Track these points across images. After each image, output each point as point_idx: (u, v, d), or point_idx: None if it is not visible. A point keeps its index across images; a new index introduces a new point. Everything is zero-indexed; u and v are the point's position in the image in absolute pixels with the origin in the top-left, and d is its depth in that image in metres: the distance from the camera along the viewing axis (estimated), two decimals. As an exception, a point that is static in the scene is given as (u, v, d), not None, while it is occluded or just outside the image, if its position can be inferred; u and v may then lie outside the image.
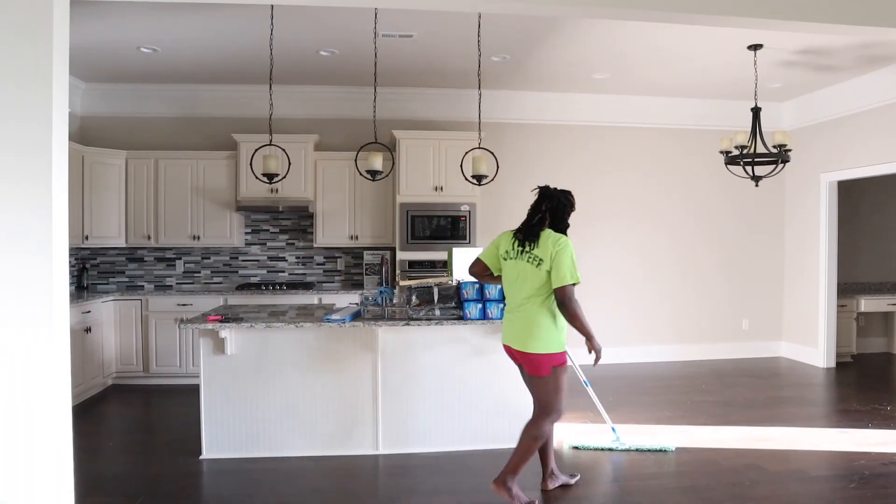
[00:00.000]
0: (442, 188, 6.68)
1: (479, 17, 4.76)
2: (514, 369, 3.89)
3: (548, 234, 3.52)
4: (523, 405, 4.53)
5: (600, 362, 3.75)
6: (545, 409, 3.52)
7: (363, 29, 5.07)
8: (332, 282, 7.27)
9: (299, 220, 7.19)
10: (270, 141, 4.94)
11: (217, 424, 4.35)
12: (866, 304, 7.76)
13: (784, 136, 5.61)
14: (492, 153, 5.19)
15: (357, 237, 6.92)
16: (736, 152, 5.81)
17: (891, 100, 6.43)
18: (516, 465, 3.52)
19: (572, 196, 3.75)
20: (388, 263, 7.03)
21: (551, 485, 3.85)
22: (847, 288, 7.97)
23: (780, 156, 5.66)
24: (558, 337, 3.49)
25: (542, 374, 3.47)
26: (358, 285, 7.12)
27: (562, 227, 3.63)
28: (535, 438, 3.52)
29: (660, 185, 7.78)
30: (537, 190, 3.74)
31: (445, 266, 6.32)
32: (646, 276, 7.76)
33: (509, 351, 3.66)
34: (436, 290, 4.46)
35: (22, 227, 2.62)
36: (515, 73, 6.54)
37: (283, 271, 7.23)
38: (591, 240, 7.60)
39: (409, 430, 4.50)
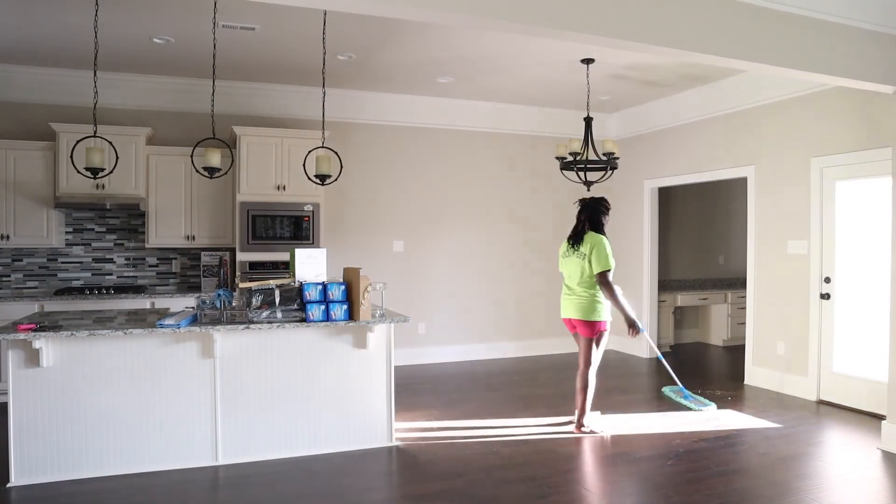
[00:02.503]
0: (285, 187, 6.49)
1: (325, 14, 4.69)
2: (358, 371, 4.12)
3: (589, 235, 4.88)
4: (368, 407, 4.57)
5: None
6: (588, 361, 4.89)
7: (202, 18, 4.80)
8: (167, 285, 6.84)
9: (129, 219, 6.68)
10: (95, 132, 4.53)
11: (30, 446, 3.91)
12: (682, 299, 8.59)
13: (613, 145, 6.05)
14: (336, 153, 5.13)
15: (194, 237, 6.55)
16: (570, 158, 6.17)
17: (704, 115, 7.15)
18: (583, 407, 4.92)
19: (606, 202, 5.07)
20: (227, 265, 6.73)
21: (583, 428, 4.95)
22: (666, 285, 8.75)
23: (609, 163, 6.10)
24: (601, 311, 4.82)
25: (591, 335, 4.83)
26: (195, 288, 6.74)
27: (599, 228, 4.94)
28: (588, 383, 4.88)
29: (500, 187, 8.10)
30: (578, 203, 5.12)
31: (288, 267, 6.16)
32: (491, 274, 8.04)
33: (568, 322, 4.99)
34: (277, 292, 4.33)
35: None
36: (361, 73, 6.51)
37: (111, 274, 6.68)
38: (435, 239, 7.76)
39: (251, 438, 4.33)
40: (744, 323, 7.07)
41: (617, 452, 4.52)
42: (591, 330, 4.86)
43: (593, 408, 5.28)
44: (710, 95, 6.96)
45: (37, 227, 6.14)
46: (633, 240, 8.26)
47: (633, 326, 4.85)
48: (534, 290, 8.27)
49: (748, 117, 6.64)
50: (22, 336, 3.78)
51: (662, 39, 3.67)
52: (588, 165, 6.18)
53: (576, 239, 4.94)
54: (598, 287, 4.80)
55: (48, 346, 3.90)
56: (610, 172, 6.24)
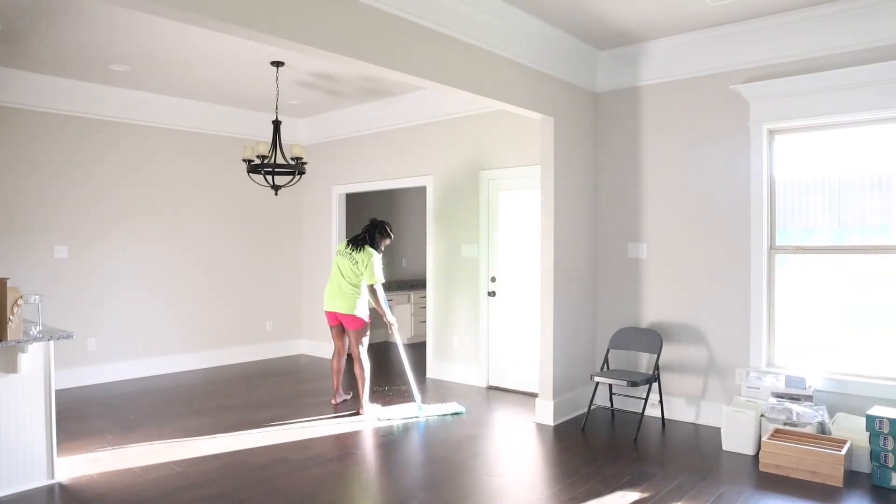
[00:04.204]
0: None
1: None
2: (6, 400, 3.43)
3: (366, 250, 5.66)
4: (21, 442, 3.90)
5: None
6: (356, 350, 5.67)
7: None
8: None
9: None
10: None
11: None
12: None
13: (301, 150, 6.06)
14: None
15: None
16: (258, 161, 6.02)
17: (387, 127, 7.56)
18: (361, 392, 5.68)
19: (390, 229, 5.89)
20: None
21: (338, 399, 5.97)
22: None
23: (297, 168, 6.08)
24: (363, 308, 5.68)
25: (356, 327, 5.63)
26: None
27: (375, 245, 5.75)
28: (363, 369, 5.67)
29: (185, 188, 7.57)
30: (370, 220, 5.90)
31: None
32: (167, 284, 7.44)
33: (332, 315, 5.73)
34: None
35: None
36: (12, 48, 5.51)
37: None
38: (107, 244, 6.94)
39: None
40: (425, 321, 7.63)
41: (311, 455, 4.52)
42: (356, 323, 5.60)
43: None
44: (393, 108, 7.39)
45: None
46: (321, 243, 8.39)
47: (392, 324, 5.77)
48: (221, 297, 7.89)
49: (426, 131, 7.20)
50: None
51: (344, 50, 3.76)
52: (276, 169, 6.10)
53: (354, 245, 5.70)
54: (361, 288, 5.65)
55: None
56: (298, 177, 6.23)
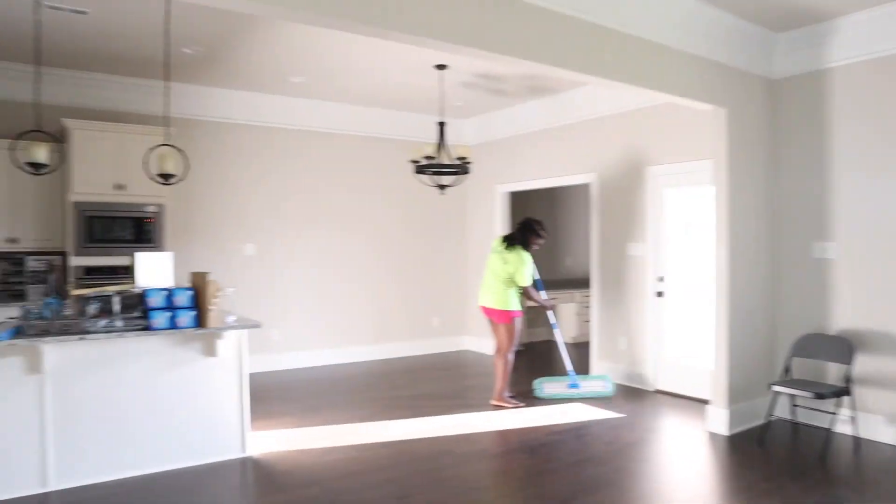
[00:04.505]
0: (125, 187, 6.03)
1: (168, 2, 4.40)
2: (208, 380, 4.05)
3: (517, 250, 5.75)
4: (220, 418, 4.35)
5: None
6: (503, 344, 5.81)
7: (22, -3, 4.34)
8: (-16, 294, 6.10)
9: (-64, 220, 5.90)
10: None
11: None
12: (532, 299, 8.96)
13: (465, 150, 6.21)
14: (181, 151, 4.83)
15: (17, 240, 5.91)
16: (424, 162, 6.25)
17: (551, 125, 7.52)
18: (501, 385, 5.81)
19: (540, 228, 5.88)
20: (59, 271, 6.13)
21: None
22: (517, 286, 9.07)
23: (461, 167, 6.24)
24: (513, 302, 5.76)
25: (505, 321, 5.75)
26: (19, 297, 6.04)
27: (526, 245, 5.78)
28: (505, 363, 5.82)
29: (359, 190, 8.03)
30: (522, 219, 6.01)
31: (129, 272, 5.71)
32: (342, 279, 7.93)
33: (485, 309, 5.88)
34: (117, 300, 4.00)
35: None
36: (210, 68, 6.18)
37: (-87, 282, 5.86)
38: (289, 242, 7.55)
39: (88, 459, 3.95)
40: (589, 321, 7.49)
41: (477, 449, 4.62)
42: (504, 317, 5.72)
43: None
44: (556, 106, 7.33)
45: None
46: (484, 241, 8.50)
47: (550, 307, 6.16)
48: (388, 293, 8.28)
49: (590, 127, 7.06)
50: None
51: (509, 49, 3.81)
52: (441, 169, 6.29)
53: (508, 243, 5.81)
54: (511, 283, 5.74)
55: None
56: (463, 177, 6.39)
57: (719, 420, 5.00)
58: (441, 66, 6.10)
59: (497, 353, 5.86)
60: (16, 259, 6.15)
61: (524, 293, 5.80)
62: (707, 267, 5.47)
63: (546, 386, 6.19)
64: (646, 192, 6.45)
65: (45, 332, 3.79)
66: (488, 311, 5.86)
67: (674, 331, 6.27)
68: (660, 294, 6.34)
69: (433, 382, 6.82)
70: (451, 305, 8.81)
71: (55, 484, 3.85)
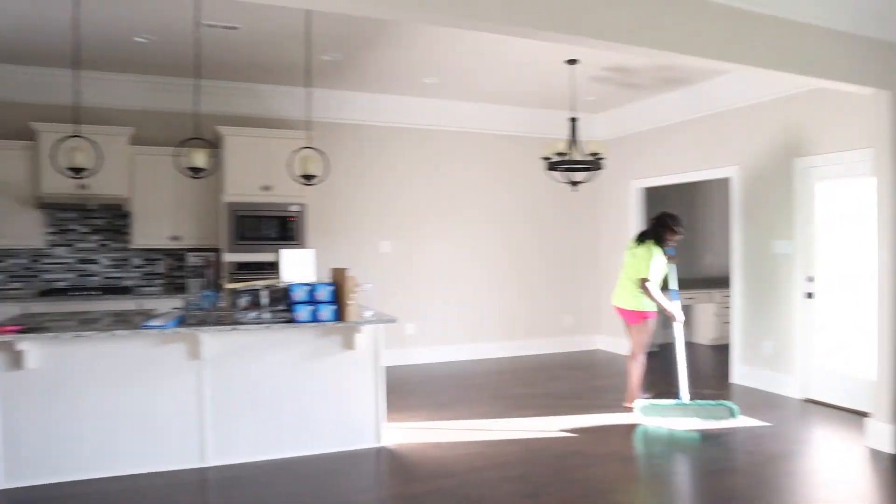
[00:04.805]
0: (271, 188, 6.46)
1: (308, 13, 4.66)
2: (346, 371, 4.29)
3: (647, 245, 5.50)
4: (357, 407, 4.55)
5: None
6: (634, 345, 5.59)
7: (183, 16, 4.75)
8: (152, 286, 6.77)
9: (113, 219, 6.60)
10: (77, 132, 4.49)
11: (16, 450, 3.86)
12: (668, 298, 8.61)
13: (598, 146, 6.08)
14: (322, 153, 5.10)
15: (180, 238, 6.50)
16: (556, 159, 6.19)
17: (688, 117, 7.20)
18: (634, 388, 5.56)
19: (675, 222, 5.56)
20: (214, 266, 6.67)
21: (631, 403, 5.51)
22: (652, 284, 8.77)
23: (594, 163, 6.12)
24: (645, 303, 5.48)
25: (635, 322, 5.54)
26: (181, 289, 6.66)
27: (659, 241, 5.53)
28: (635, 366, 5.57)
29: (489, 187, 8.10)
30: (657, 213, 5.74)
31: (275, 268, 6.11)
32: (474, 276, 8.03)
33: (617, 309, 5.70)
34: (265, 293, 4.30)
35: None
36: (347, 73, 6.48)
37: (96, 275, 6.60)
38: (421, 240, 7.75)
39: (238, 439, 4.29)
40: (729, 322, 7.10)
41: (609, 451, 4.53)
42: (634, 318, 5.51)
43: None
44: (693, 97, 7.00)
45: (18, 227, 6.05)
46: (618, 238, 8.29)
47: (672, 317, 5.52)
48: (518, 291, 8.28)
49: (731, 118, 6.68)
50: (6, 338, 3.72)
51: (643, 40, 3.68)
52: (573, 166, 6.20)
53: (640, 239, 5.61)
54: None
55: (33, 349, 3.84)
56: (595, 173, 6.26)
57: (882, 436, 4.56)
58: (572, 61, 6.01)
59: (630, 354, 5.70)
60: (178, 255, 6.79)
61: (643, 289, 5.37)
62: (865, 267, 5.01)
63: (650, 411, 5.28)
64: (793, 186, 6.01)
65: (203, 322, 4.16)
66: (621, 311, 5.70)
67: (826, 335, 5.79)
68: (810, 295, 5.89)
69: (563, 381, 6.75)
70: (583, 304, 8.66)
71: (212, 460, 4.21)
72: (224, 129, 6.37)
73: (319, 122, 6.95)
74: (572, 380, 6.84)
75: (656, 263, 5.44)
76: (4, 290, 6.30)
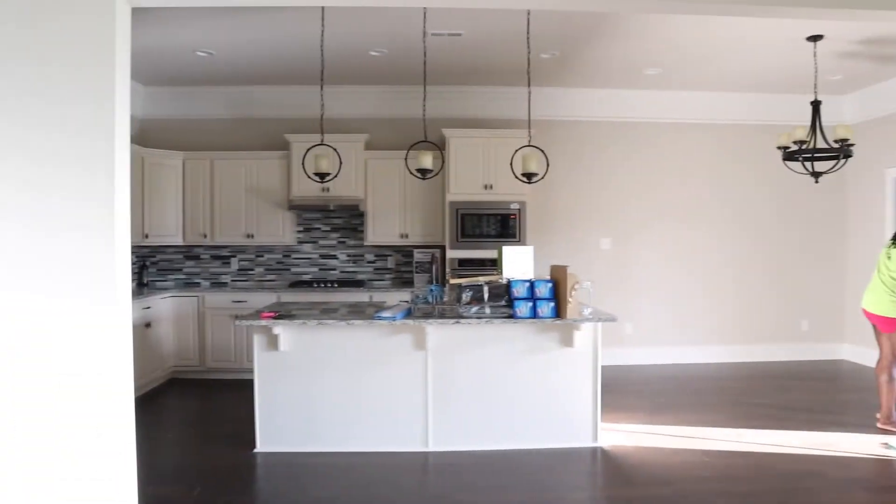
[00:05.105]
0: (492, 186, 6.68)
1: (528, 14, 4.74)
2: (564, 368, 4.37)
3: None
4: (573, 405, 4.55)
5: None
6: (883, 354, 4.99)
7: (412, 28, 5.10)
8: (383, 280, 7.35)
9: (350, 219, 7.29)
10: (322, 140, 5.02)
11: (270, 419, 4.45)
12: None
13: (846, 131, 5.40)
14: (542, 151, 5.16)
15: (407, 235, 6.98)
16: (794, 147, 5.63)
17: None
18: (888, 406, 4.94)
19: None
20: (438, 262, 7.06)
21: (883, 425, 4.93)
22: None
23: (841, 151, 5.46)
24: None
25: (888, 330, 4.93)
26: (408, 283, 7.17)
27: None
28: (886, 379, 4.96)
29: (716, 181, 7.61)
30: None
31: (495, 264, 6.31)
32: (698, 275, 7.59)
33: (866, 314, 5.09)
34: (486, 289, 4.47)
35: (86, 216, 2.65)
36: (565, 70, 6.48)
37: (335, 269, 7.34)
38: (644, 237, 7.51)
39: (458, 428, 4.52)
40: None
41: (854, 477, 4.03)
42: (887, 325, 4.96)
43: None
44: (975, 67, 5.95)
45: (274, 226, 6.96)
46: (869, 235, 7.32)
47: None
48: (754, 292, 7.66)
49: None
50: (264, 323, 4.30)
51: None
52: (815, 154, 5.58)
53: (894, 240, 5.02)
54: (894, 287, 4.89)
55: (284, 333, 4.38)
56: (843, 162, 5.58)
57: None
58: (815, 38, 5.42)
59: (878, 365, 5.02)
60: (406, 251, 7.29)
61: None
62: None
63: None
64: None
65: (428, 315, 4.43)
66: (870, 316, 5.05)
67: None
68: None
69: (800, 393, 6.13)
70: (824, 308, 7.78)
71: (433, 445, 4.48)
72: (448, 132, 6.71)
73: (538, 121, 7.01)
74: (808, 391, 6.19)
75: None
76: (262, 280, 7.26)
